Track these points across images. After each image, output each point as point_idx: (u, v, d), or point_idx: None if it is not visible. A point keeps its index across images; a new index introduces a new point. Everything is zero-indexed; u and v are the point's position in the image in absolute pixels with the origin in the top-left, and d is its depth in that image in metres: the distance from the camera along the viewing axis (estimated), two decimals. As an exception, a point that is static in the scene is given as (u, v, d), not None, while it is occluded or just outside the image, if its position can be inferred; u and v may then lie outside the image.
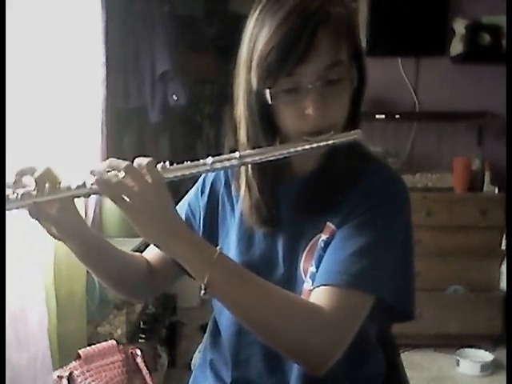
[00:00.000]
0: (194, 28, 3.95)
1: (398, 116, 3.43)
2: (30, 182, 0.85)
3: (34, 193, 0.83)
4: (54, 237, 0.91)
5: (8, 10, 1.39)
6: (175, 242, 0.83)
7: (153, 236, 0.84)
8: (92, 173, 0.82)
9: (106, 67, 2.25)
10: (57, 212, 0.88)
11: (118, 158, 0.84)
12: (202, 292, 0.83)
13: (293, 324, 0.84)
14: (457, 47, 3.41)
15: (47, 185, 0.83)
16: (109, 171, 0.83)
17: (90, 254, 0.98)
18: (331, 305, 0.86)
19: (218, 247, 0.86)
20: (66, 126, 1.92)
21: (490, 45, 3.35)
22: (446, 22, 3.43)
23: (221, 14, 4.06)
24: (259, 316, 0.85)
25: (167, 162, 0.86)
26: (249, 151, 0.90)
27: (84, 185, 0.84)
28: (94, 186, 0.82)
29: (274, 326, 0.85)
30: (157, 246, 0.87)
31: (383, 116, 3.31)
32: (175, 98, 3.07)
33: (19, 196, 0.82)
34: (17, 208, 0.83)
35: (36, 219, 0.87)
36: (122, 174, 0.81)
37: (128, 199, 0.80)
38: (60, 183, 0.85)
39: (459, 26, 3.38)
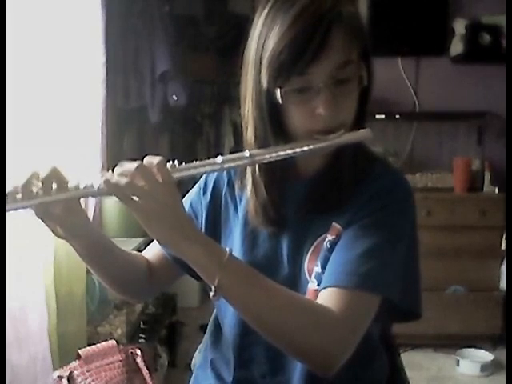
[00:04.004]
0: (194, 28, 3.95)
1: (398, 116, 3.43)
2: (37, 182, 0.84)
3: (41, 192, 0.82)
4: (59, 236, 0.90)
5: (8, 9, 1.39)
6: (186, 243, 0.82)
7: (163, 237, 0.83)
8: (102, 176, 0.81)
9: (106, 67, 2.25)
10: (62, 212, 0.87)
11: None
12: (212, 294, 0.83)
13: (302, 326, 0.84)
14: (457, 47, 3.40)
15: (54, 185, 0.83)
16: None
17: (94, 254, 0.97)
18: (340, 306, 0.86)
19: (227, 249, 0.85)
20: (66, 126, 1.92)
21: (490, 45, 3.35)
22: (446, 22, 3.43)
23: (221, 14, 4.06)
24: (268, 318, 0.85)
25: (176, 162, 0.85)
26: (259, 150, 0.89)
27: (92, 185, 0.83)
28: (103, 186, 0.81)
29: (282, 327, 0.85)
30: (166, 247, 0.86)
31: (383, 116, 3.31)
32: (175, 98, 3.07)
33: (26, 196, 0.81)
34: (23, 208, 0.82)
35: (41, 219, 0.86)
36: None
37: (138, 199, 0.80)
38: (67, 183, 0.84)
39: (459, 26, 3.38)
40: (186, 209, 1.09)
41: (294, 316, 0.85)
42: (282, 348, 0.89)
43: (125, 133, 3.29)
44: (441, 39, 3.46)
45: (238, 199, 1.06)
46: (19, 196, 0.82)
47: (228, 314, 1.02)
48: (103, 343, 1.57)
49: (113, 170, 0.83)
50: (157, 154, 0.83)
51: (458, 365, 3.01)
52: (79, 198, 0.88)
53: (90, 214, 2.28)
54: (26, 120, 1.62)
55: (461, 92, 3.49)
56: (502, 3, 3.05)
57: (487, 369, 2.97)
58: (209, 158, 0.87)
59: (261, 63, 0.90)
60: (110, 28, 2.39)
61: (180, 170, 0.84)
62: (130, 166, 0.81)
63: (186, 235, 0.82)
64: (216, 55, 3.90)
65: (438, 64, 3.50)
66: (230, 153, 1.07)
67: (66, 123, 1.92)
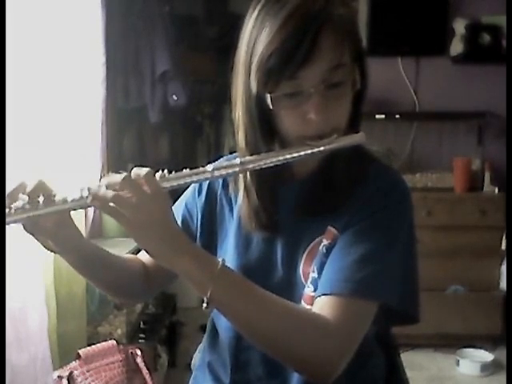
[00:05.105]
0: (194, 28, 3.94)
1: (398, 116, 3.42)
2: (23, 196, 0.82)
3: (28, 207, 0.80)
4: (51, 250, 0.89)
5: (8, 9, 1.39)
6: (176, 255, 0.81)
7: (153, 249, 0.81)
8: (89, 190, 0.80)
9: (106, 67, 2.26)
10: (53, 226, 0.86)
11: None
12: (204, 306, 0.82)
13: (297, 337, 0.83)
14: (457, 47, 3.40)
15: (42, 198, 0.81)
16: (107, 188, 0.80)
17: (87, 265, 0.97)
18: (336, 315, 0.85)
19: (220, 259, 0.84)
20: (67, 126, 1.93)
21: (490, 45, 3.35)
22: (446, 22, 3.43)
23: (221, 14, 4.06)
24: (262, 329, 0.84)
25: (165, 171, 0.83)
26: (250, 157, 0.88)
27: (80, 197, 0.81)
28: (90, 199, 0.79)
29: (277, 338, 0.84)
30: (157, 259, 0.84)
31: (383, 116, 3.31)
32: (175, 98, 3.07)
33: (12, 210, 0.80)
34: (11, 223, 0.81)
35: (31, 233, 0.85)
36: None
37: (126, 212, 0.77)
38: (55, 196, 0.82)
39: (459, 26, 3.38)
40: (181, 210, 1.09)
41: (289, 327, 0.84)
42: (278, 358, 0.88)
43: (125, 133, 3.29)
44: (441, 39, 3.46)
45: (233, 200, 1.05)
46: (6, 211, 0.80)
47: (222, 317, 1.01)
48: (103, 343, 1.57)
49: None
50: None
51: (457, 365, 3.01)
52: (69, 212, 0.86)
53: (90, 215, 2.29)
54: (26, 120, 1.62)
55: (461, 92, 3.49)
56: (502, 3, 3.05)
57: (487, 369, 2.97)
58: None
59: (250, 68, 0.88)
60: (109, 28, 2.39)
61: (169, 179, 0.83)
62: (117, 177, 0.79)
63: (175, 247, 0.81)
64: (216, 55, 3.90)
65: (437, 64, 3.50)
66: (230, 153, 1.07)
67: (66, 123, 1.92)
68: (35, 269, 1.63)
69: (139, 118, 3.30)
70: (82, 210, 1.91)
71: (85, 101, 2.07)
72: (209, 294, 0.81)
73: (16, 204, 0.81)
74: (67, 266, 1.75)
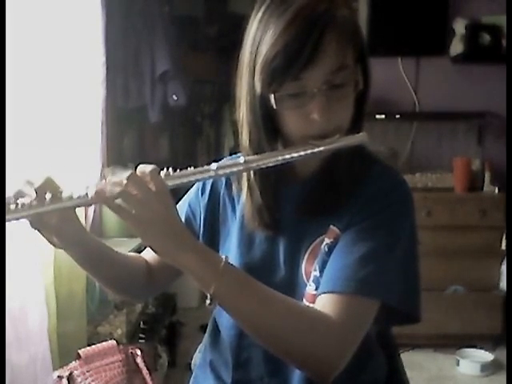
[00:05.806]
0: (194, 28, 3.95)
1: (398, 116, 3.43)
2: (30, 191, 0.83)
3: (35, 203, 0.81)
4: (55, 245, 0.90)
5: (8, 9, 1.39)
6: (181, 252, 0.82)
7: (157, 246, 0.82)
8: (95, 188, 0.81)
9: (106, 67, 2.25)
10: (58, 221, 0.87)
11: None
12: (208, 302, 0.83)
13: (300, 334, 0.84)
14: (457, 47, 3.40)
15: (49, 195, 0.82)
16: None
17: (91, 261, 0.97)
18: (338, 312, 0.85)
19: (224, 256, 0.85)
20: (66, 126, 1.92)
21: (490, 45, 3.35)
22: (446, 22, 3.43)
23: (221, 14, 4.06)
24: (265, 326, 0.84)
25: (170, 169, 0.85)
26: (254, 156, 0.89)
27: (86, 195, 0.82)
28: (96, 196, 0.81)
29: (279, 335, 0.84)
30: (161, 255, 0.85)
31: (383, 116, 3.31)
32: (175, 97, 3.07)
33: (19, 206, 0.80)
34: (17, 219, 0.81)
35: (37, 229, 0.86)
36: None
37: (132, 209, 0.79)
38: (61, 193, 0.83)
39: (459, 26, 3.38)
40: (185, 210, 1.10)
41: (291, 323, 0.84)
42: (280, 355, 0.88)
43: (125, 133, 3.29)
44: (441, 39, 3.46)
45: (235, 200, 1.05)
46: (12, 207, 0.80)
47: (224, 315, 1.02)
48: (103, 343, 1.57)
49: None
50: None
51: (458, 365, 3.01)
52: (74, 208, 0.87)
53: (90, 215, 2.29)
54: (26, 120, 1.62)
55: (461, 92, 3.49)
56: (502, 3, 3.05)
57: (487, 369, 2.97)
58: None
59: (254, 68, 0.89)
60: (109, 28, 2.39)
61: (174, 177, 0.84)
62: (123, 175, 0.80)
63: (180, 244, 0.82)
64: (216, 55, 3.91)
65: (438, 64, 3.50)
66: (230, 153, 1.07)
67: (66, 123, 1.92)
68: (35, 268, 1.63)
69: (139, 118, 3.30)
70: (82, 210, 1.91)
71: (85, 101, 2.07)
72: (212, 290, 0.81)
73: (23, 200, 0.82)
74: (67, 266, 1.75)
